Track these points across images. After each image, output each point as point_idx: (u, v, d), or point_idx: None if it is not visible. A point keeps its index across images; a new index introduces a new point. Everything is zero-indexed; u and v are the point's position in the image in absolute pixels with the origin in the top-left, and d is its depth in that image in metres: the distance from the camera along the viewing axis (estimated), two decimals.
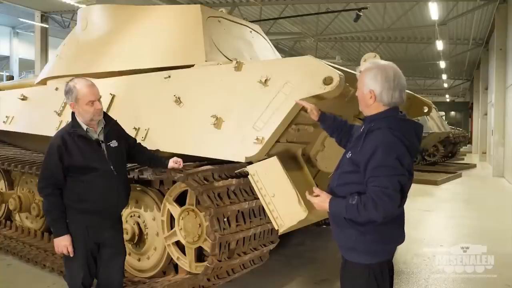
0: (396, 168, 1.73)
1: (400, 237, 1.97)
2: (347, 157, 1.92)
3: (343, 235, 1.92)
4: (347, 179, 1.88)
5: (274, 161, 2.68)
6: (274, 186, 2.65)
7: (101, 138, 2.49)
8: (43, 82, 4.95)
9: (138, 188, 3.44)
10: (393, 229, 1.90)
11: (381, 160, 1.73)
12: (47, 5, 16.89)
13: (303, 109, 2.62)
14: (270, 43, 5.17)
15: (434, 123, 11.60)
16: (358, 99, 1.95)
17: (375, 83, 1.84)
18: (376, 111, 1.87)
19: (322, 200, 1.89)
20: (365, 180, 1.78)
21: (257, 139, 2.70)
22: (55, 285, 3.62)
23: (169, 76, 3.43)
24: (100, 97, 2.48)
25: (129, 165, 2.97)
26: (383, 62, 1.92)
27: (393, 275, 2.07)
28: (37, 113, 4.48)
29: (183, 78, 3.39)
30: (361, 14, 12.20)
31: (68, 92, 2.42)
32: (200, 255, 3.17)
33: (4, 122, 4.87)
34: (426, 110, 4.41)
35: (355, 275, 1.92)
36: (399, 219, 1.93)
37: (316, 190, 1.92)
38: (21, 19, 20.42)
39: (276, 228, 2.67)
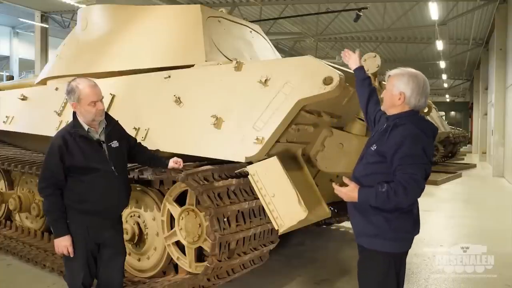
0: (422, 157, 1.89)
1: (418, 227, 2.10)
2: (372, 149, 2.04)
3: (367, 223, 2.01)
4: (372, 170, 2.02)
5: (274, 161, 2.69)
6: (274, 186, 2.65)
7: (102, 138, 2.48)
8: (43, 82, 4.95)
9: (138, 188, 3.44)
10: (413, 218, 2.04)
11: (409, 150, 1.88)
12: (47, 5, 16.89)
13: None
14: (270, 43, 5.18)
15: (434, 123, 11.59)
16: (384, 100, 2.10)
17: (406, 87, 2.01)
18: (401, 110, 2.04)
19: (350, 190, 1.98)
20: (392, 169, 1.91)
21: (257, 139, 2.70)
22: (55, 285, 3.62)
23: (169, 76, 3.43)
24: (103, 97, 2.47)
25: (129, 165, 2.96)
26: (413, 70, 2.08)
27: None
28: (37, 113, 4.48)
29: (183, 78, 3.40)
30: (361, 14, 12.20)
31: (70, 92, 2.41)
32: (200, 255, 3.17)
33: (4, 122, 4.87)
34: (426, 110, 4.41)
35: (375, 263, 2.01)
36: (417, 209, 2.07)
37: (346, 180, 2.02)
38: (21, 19, 20.42)
39: (276, 228, 2.68)
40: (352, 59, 2.62)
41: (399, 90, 2.02)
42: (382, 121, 2.15)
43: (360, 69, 2.58)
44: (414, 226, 2.06)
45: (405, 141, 1.89)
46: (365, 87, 2.50)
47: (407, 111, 2.03)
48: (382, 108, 2.14)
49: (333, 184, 2.05)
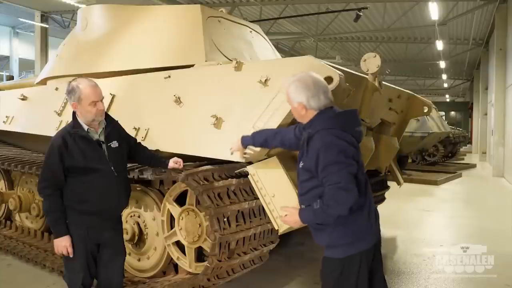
0: (341, 162, 1.87)
1: (370, 228, 2.02)
2: (300, 167, 2.04)
3: (321, 236, 2.05)
4: (308, 187, 2.02)
5: (274, 161, 2.69)
6: (274, 186, 2.64)
7: (102, 138, 2.48)
8: (43, 82, 4.95)
9: (138, 188, 3.44)
10: (360, 221, 1.99)
11: (325, 159, 1.88)
12: (47, 5, 16.88)
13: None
14: (270, 43, 5.17)
15: (434, 123, 11.59)
16: (293, 114, 2.11)
17: (299, 96, 2.00)
18: (311, 117, 2.02)
19: (292, 215, 2.05)
20: (320, 182, 1.92)
21: None
22: (55, 285, 3.62)
23: (169, 76, 3.43)
24: (103, 97, 2.47)
25: (129, 165, 2.96)
26: (299, 74, 2.05)
27: (377, 262, 2.11)
28: (37, 113, 4.48)
29: (183, 78, 3.40)
30: (361, 14, 12.19)
31: (71, 91, 2.40)
32: (200, 255, 3.17)
33: (4, 122, 4.87)
34: (426, 110, 4.42)
35: (330, 269, 2.04)
36: (364, 210, 2.00)
37: (284, 209, 2.10)
38: (21, 19, 20.43)
39: (276, 228, 2.67)
40: (235, 146, 2.63)
41: (295, 101, 2.01)
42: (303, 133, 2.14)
43: (245, 138, 2.58)
44: (361, 230, 1.99)
45: (320, 152, 1.89)
46: (263, 138, 2.49)
47: (316, 115, 2.00)
48: (298, 120, 2.11)
49: (280, 219, 2.10)
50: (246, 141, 2.59)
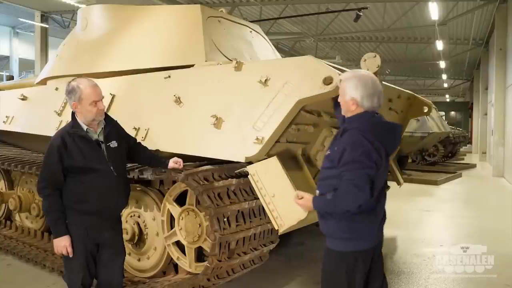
0: (362, 162, 1.92)
1: (373, 231, 2.08)
2: (326, 154, 2.12)
3: (325, 225, 2.12)
4: (326, 174, 2.08)
5: (274, 161, 2.69)
6: (274, 186, 2.65)
7: (101, 138, 2.48)
8: (43, 82, 4.95)
9: (138, 188, 3.44)
10: (365, 222, 2.04)
11: (349, 156, 1.94)
12: (47, 5, 16.88)
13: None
14: (270, 43, 5.18)
15: (434, 123, 11.58)
16: (341, 105, 2.14)
17: (355, 92, 2.03)
18: (357, 113, 2.06)
19: (306, 201, 2.11)
20: (338, 174, 1.98)
21: (257, 139, 2.70)
22: (55, 285, 3.62)
23: (169, 76, 3.43)
24: (103, 97, 2.47)
25: (129, 165, 2.97)
26: (361, 71, 2.11)
27: (378, 263, 2.15)
28: (37, 113, 4.48)
29: (183, 78, 3.40)
30: (361, 14, 12.18)
31: (71, 91, 2.40)
32: (200, 255, 3.17)
33: (4, 122, 4.87)
34: (426, 110, 4.42)
35: (329, 259, 2.13)
36: (372, 214, 2.05)
37: (300, 193, 2.14)
38: (21, 19, 20.42)
39: (276, 228, 2.68)
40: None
41: (350, 96, 2.04)
42: None
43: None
44: (365, 230, 2.04)
45: (346, 148, 1.95)
46: None
47: (359, 113, 2.04)
48: (342, 112, 2.15)
49: (293, 199, 2.16)
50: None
